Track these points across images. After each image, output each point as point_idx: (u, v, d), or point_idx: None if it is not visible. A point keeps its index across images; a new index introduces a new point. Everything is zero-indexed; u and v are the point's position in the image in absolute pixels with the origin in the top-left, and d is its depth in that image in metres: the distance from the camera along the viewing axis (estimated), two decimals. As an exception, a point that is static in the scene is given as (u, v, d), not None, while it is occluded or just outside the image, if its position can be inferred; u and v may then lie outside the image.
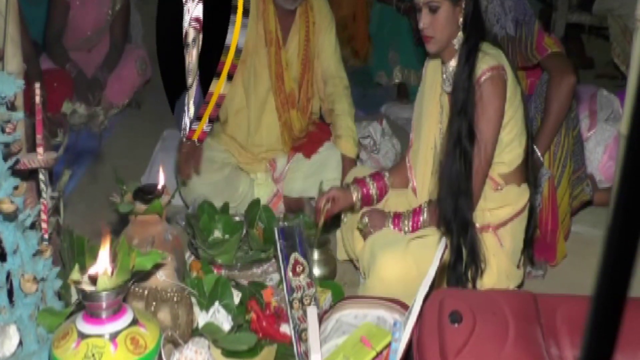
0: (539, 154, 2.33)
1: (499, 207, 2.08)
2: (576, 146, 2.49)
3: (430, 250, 1.89)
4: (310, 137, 2.79)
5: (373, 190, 2.27)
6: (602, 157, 2.87)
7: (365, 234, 2.14)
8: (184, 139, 2.39)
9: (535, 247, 2.38)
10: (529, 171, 2.12)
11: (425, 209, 2.09)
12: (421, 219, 2.08)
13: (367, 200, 2.27)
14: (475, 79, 1.95)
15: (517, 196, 2.09)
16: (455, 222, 1.96)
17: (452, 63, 2.04)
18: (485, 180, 2.05)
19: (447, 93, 2.09)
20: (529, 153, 2.10)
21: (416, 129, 2.28)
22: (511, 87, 1.99)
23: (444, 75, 2.11)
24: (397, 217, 2.11)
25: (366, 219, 2.14)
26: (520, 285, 2.20)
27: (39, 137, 1.64)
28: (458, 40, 2.01)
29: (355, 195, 2.25)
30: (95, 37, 3.84)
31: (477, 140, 1.96)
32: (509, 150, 2.05)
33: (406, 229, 2.08)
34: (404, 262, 1.94)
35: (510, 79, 1.99)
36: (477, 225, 2.04)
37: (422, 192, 2.22)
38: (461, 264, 1.98)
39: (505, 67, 1.99)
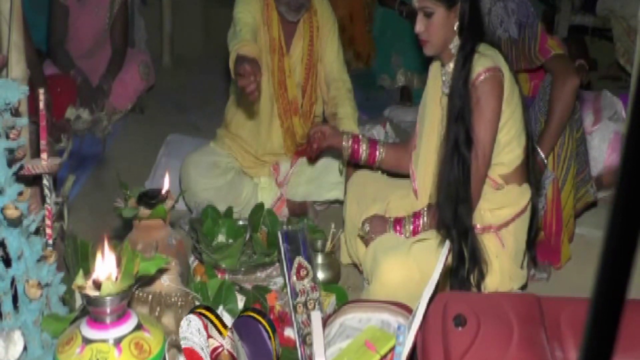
0: (543, 156, 2.32)
1: (500, 208, 2.08)
2: (580, 148, 2.49)
3: (432, 253, 1.89)
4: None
5: (364, 151, 2.30)
6: (606, 153, 2.85)
7: (366, 241, 2.14)
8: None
9: (539, 249, 2.38)
10: (529, 171, 2.12)
11: (425, 212, 2.09)
12: (421, 222, 2.08)
13: (355, 155, 2.31)
14: (471, 82, 1.96)
15: (518, 196, 2.08)
16: (455, 228, 1.96)
17: (451, 66, 2.05)
18: (483, 183, 2.04)
19: (446, 95, 2.10)
20: (529, 153, 2.10)
21: (419, 131, 2.28)
22: (508, 87, 1.99)
23: (443, 78, 2.12)
24: (398, 222, 2.11)
25: (367, 226, 2.13)
26: (524, 287, 2.19)
27: (43, 142, 1.64)
28: (455, 44, 2.02)
29: (346, 143, 2.29)
30: (97, 42, 3.84)
31: (475, 144, 1.96)
32: (508, 151, 2.05)
33: (407, 234, 2.08)
34: (407, 266, 1.94)
35: (507, 79, 1.99)
36: (479, 226, 2.04)
37: (423, 195, 2.21)
38: (463, 269, 1.97)
39: (501, 67, 1.98)
